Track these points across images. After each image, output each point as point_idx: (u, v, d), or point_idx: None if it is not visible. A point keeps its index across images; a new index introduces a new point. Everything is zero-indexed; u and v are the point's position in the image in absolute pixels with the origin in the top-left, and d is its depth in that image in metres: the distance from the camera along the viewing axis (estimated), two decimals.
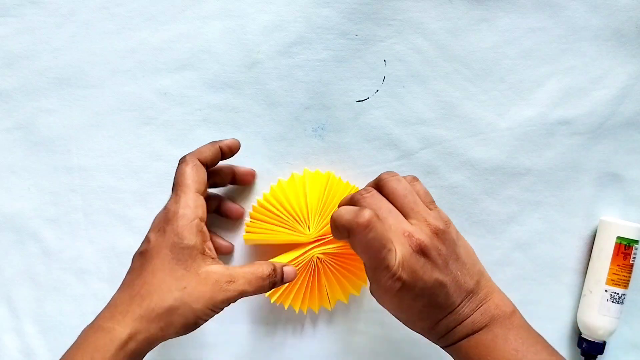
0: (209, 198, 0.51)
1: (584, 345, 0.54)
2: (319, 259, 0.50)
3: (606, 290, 0.53)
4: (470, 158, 0.55)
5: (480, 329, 0.43)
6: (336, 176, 0.54)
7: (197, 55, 0.55)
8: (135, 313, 0.41)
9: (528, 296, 0.55)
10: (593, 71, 0.54)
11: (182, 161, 0.48)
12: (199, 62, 0.55)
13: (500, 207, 0.55)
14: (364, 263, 0.43)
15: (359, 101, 0.55)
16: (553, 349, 0.43)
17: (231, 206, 0.54)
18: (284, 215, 0.51)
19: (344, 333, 0.55)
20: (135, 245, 0.55)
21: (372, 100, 0.55)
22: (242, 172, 0.54)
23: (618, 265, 0.53)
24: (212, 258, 0.45)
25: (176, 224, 0.44)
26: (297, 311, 0.53)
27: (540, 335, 0.44)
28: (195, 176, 0.47)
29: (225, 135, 0.55)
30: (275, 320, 0.55)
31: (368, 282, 0.44)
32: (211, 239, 0.47)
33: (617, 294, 0.52)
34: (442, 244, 0.42)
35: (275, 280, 0.46)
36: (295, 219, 0.50)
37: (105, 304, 0.43)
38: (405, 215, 0.43)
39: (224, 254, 0.55)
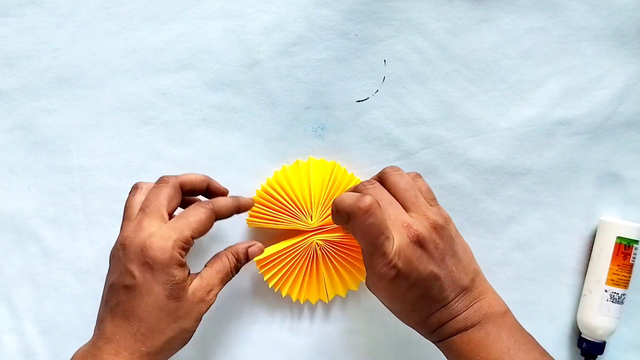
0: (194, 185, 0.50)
1: (584, 345, 0.54)
2: (318, 245, 0.51)
3: (606, 290, 0.53)
4: (470, 158, 0.55)
5: (473, 326, 0.43)
6: (341, 167, 0.54)
7: (197, 55, 0.55)
8: (142, 351, 0.43)
9: (528, 296, 0.55)
10: (593, 71, 0.54)
11: (161, 182, 0.47)
12: (199, 62, 0.55)
13: (500, 207, 0.55)
14: (362, 249, 0.44)
15: (359, 101, 0.55)
16: (543, 349, 0.44)
17: (218, 187, 0.52)
18: (287, 203, 0.51)
19: (342, 332, 0.55)
20: None
21: (372, 100, 0.55)
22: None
23: (618, 265, 0.53)
24: (189, 273, 0.46)
25: (162, 259, 0.43)
26: (294, 300, 0.53)
27: (531, 336, 0.44)
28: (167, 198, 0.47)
29: (225, 135, 0.55)
30: (273, 319, 0.55)
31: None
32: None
33: (617, 294, 0.53)
34: (440, 239, 0.43)
35: (240, 265, 0.49)
36: (299, 208, 0.51)
37: (98, 331, 0.44)
38: (406, 208, 0.44)
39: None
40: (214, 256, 0.48)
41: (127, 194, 0.56)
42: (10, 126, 0.56)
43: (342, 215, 0.43)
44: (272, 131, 0.55)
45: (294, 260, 0.52)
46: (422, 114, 0.55)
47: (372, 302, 0.55)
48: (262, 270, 0.52)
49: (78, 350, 0.45)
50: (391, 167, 0.47)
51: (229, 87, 0.55)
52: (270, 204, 0.52)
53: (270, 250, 0.51)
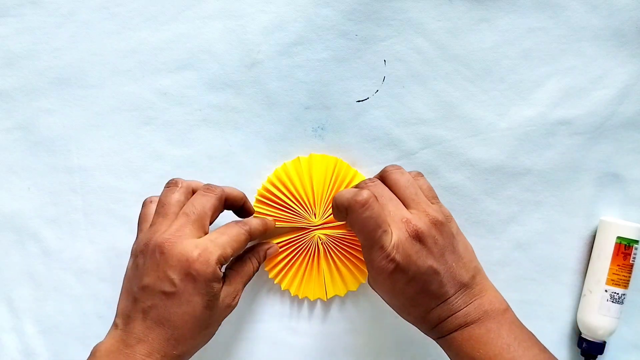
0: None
1: (584, 345, 0.54)
2: (320, 240, 0.52)
3: (606, 290, 0.53)
4: (470, 158, 0.55)
5: (473, 323, 0.43)
6: (345, 162, 0.54)
7: (197, 55, 0.55)
8: (173, 354, 0.44)
9: (528, 296, 0.55)
10: (593, 71, 0.54)
11: (207, 191, 0.47)
12: (199, 62, 0.55)
13: (500, 207, 0.55)
14: (361, 243, 0.44)
15: (359, 101, 0.55)
16: (543, 346, 0.44)
17: (250, 208, 0.52)
18: (289, 201, 0.52)
19: (342, 332, 0.55)
20: None
21: (372, 100, 0.55)
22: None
23: (618, 265, 0.53)
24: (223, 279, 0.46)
25: (206, 273, 0.43)
26: (292, 295, 0.53)
27: (532, 333, 0.45)
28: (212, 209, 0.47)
29: (225, 135, 0.55)
30: (273, 319, 0.55)
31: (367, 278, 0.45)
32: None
33: (617, 294, 0.53)
34: (440, 234, 0.44)
35: (259, 266, 0.51)
36: (302, 205, 0.52)
37: (124, 327, 0.43)
38: (406, 205, 0.45)
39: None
40: (238, 260, 0.48)
41: (127, 194, 0.56)
42: (10, 126, 0.56)
43: (341, 210, 0.44)
44: (272, 131, 0.55)
45: (295, 253, 0.52)
46: (422, 114, 0.55)
47: (372, 302, 0.55)
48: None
49: (102, 344, 0.44)
50: (392, 165, 0.48)
51: (229, 87, 0.55)
52: (272, 203, 0.52)
53: (273, 242, 0.52)
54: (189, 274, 0.43)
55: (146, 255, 0.44)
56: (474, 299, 0.44)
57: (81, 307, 0.55)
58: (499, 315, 0.44)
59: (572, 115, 0.54)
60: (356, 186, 0.47)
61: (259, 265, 0.50)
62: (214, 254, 0.43)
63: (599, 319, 0.53)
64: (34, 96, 0.55)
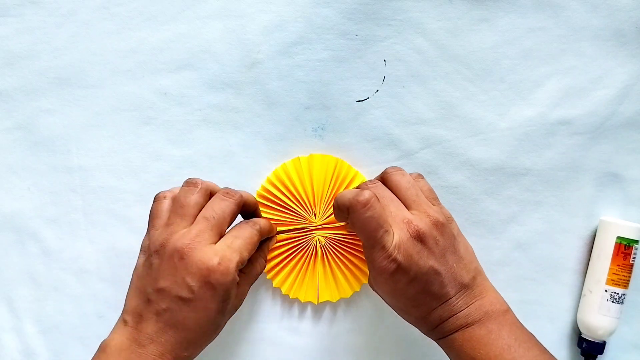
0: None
1: (584, 345, 0.54)
2: (319, 242, 0.52)
3: (606, 290, 0.53)
4: (470, 158, 0.55)
5: (474, 323, 0.43)
6: (346, 162, 0.54)
7: (197, 55, 0.55)
8: (183, 356, 0.44)
9: (528, 296, 0.55)
10: (593, 71, 0.54)
11: (227, 196, 0.46)
12: (199, 62, 0.55)
13: (500, 207, 0.55)
14: (362, 243, 0.44)
15: (359, 101, 0.55)
16: (544, 347, 0.44)
17: (259, 214, 0.52)
18: (289, 202, 0.52)
19: (342, 332, 0.55)
20: (135, 245, 0.55)
21: (372, 100, 0.55)
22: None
23: (618, 265, 0.53)
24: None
25: (225, 282, 0.43)
26: (283, 293, 0.53)
27: (532, 334, 0.45)
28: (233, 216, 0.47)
29: (225, 135, 0.55)
30: (273, 319, 0.55)
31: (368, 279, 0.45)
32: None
33: (617, 294, 0.53)
34: (441, 235, 0.44)
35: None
36: (302, 206, 0.51)
37: (135, 325, 0.43)
38: (407, 206, 0.45)
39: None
40: (248, 262, 0.48)
41: (127, 194, 0.56)
42: (10, 126, 0.56)
43: (343, 210, 0.44)
44: (272, 131, 0.55)
45: (292, 253, 0.52)
46: (422, 114, 0.55)
47: (373, 303, 0.55)
48: None
49: (112, 340, 0.43)
50: (393, 167, 0.48)
51: (229, 87, 0.55)
52: (271, 204, 0.52)
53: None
54: (208, 283, 0.42)
55: (163, 257, 0.44)
56: (474, 299, 0.44)
57: (81, 307, 0.55)
58: (499, 316, 0.44)
59: (572, 115, 0.54)
60: (357, 187, 0.47)
61: (265, 264, 0.51)
62: (233, 261, 0.43)
63: (599, 319, 0.53)
64: (34, 96, 0.55)
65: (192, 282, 0.42)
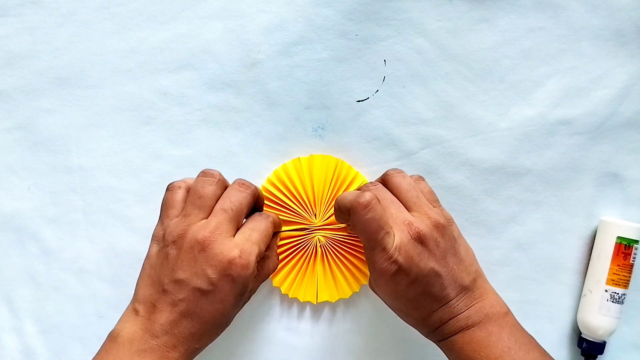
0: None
1: (584, 345, 0.54)
2: (319, 241, 0.52)
3: (606, 290, 0.53)
4: (470, 158, 0.55)
5: (474, 325, 0.43)
6: (346, 163, 0.54)
7: (197, 55, 0.55)
8: (195, 347, 0.44)
9: (528, 296, 0.55)
10: (593, 71, 0.54)
11: (251, 192, 0.46)
12: (199, 62, 0.55)
13: (500, 207, 0.55)
14: (363, 245, 0.44)
15: (359, 101, 0.55)
16: (544, 349, 0.44)
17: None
18: (289, 202, 0.52)
19: (342, 333, 0.55)
20: (135, 244, 0.55)
21: (372, 100, 0.55)
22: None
23: (618, 265, 0.53)
24: None
25: (245, 275, 0.43)
26: (282, 292, 0.53)
27: (532, 336, 0.45)
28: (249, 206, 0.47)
29: (225, 135, 0.55)
30: (273, 319, 0.55)
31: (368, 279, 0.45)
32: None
33: (617, 294, 0.52)
34: (441, 237, 0.44)
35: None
36: (302, 206, 0.51)
37: (148, 315, 0.43)
38: (408, 208, 0.45)
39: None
40: (260, 259, 0.47)
41: (127, 194, 0.56)
42: (10, 126, 0.56)
43: (343, 212, 0.44)
44: (272, 131, 0.55)
45: (292, 252, 0.52)
46: (422, 114, 0.55)
47: (373, 303, 0.55)
48: None
49: (123, 330, 0.43)
50: (394, 169, 0.48)
51: (229, 87, 0.55)
52: (272, 204, 0.52)
53: None
54: (229, 275, 0.42)
55: (181, 248, 0.43)
56: (475, 302, 0.44)
57: (81, 307, 0.55)
58: (500, 319, 0.44)
59: (572, 115, 0.54)
60: (358, 189, 0.47)
61: (278, 262, 0.51)
62: (253, 254, 0.43)
63: (599, 319, 0.53)
64: (34, 96, 0.55)
65: (213, 275, 0.42)
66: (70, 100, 0.55)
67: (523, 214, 0.55)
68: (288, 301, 0.55)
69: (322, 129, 0.55)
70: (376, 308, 0.55)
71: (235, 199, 0.45)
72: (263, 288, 0.55)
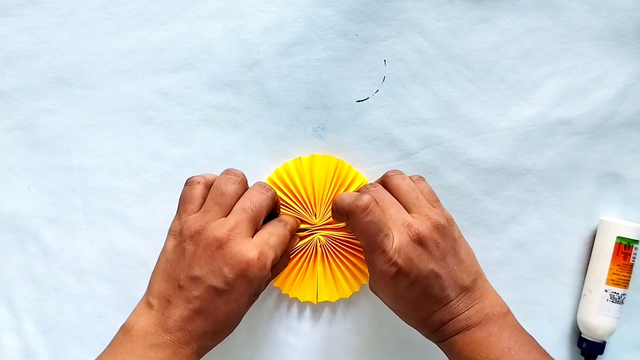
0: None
1: (584, 345, 0.54)
2: (319, 241, 0.52)
3: (606, 290, 0.53)
4: (470, 158, 0.55)
5: (474, 326, 0.43)
6: (347, 164, 0.54)
7: (197, 55, 0.55)
8: (207, 345, 0.44)
9: (528, 296, 0.55)
10: (593, 71, 0.54)
11: (269, 194, 0.46)
12: (199, 62, 0.55)
13: (500, 207, 0.55)
14: (363, 247, 0.44)
15: (359, 101, 0.55)
16: (544, 349, 0.44)
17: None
18: (290, 201, 0.52)
19: (342, 333, 0.55)
20: (135, 244, 0.55)
21: (372, 100, 0.55)
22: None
23: (618, 265, 0.53)
24: None
25: (261, 277, 0.43)
26: (283, 292, 0.53)
27: (532, 337, 0.45)
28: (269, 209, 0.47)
29: (225, 135, 0.55)
30: (273, 319, 0.55)
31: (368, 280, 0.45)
32: None
33: (617, 293, 0.53)
34: (441, 238, 0.44)
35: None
36: (302, 206, 0.52)
37: (163, 310, 0.43)
38: (407, 209, 0.45)
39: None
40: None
41: (127, 194, 0.56)
42: (10, 126, 0.56)
43: (342, 214, 0.44)
44: (272, 131, 0.55)
45: (293, 252, 0.52)
46: (422, 114, 0.55)
47: (373, 303, 0.55)
48: None
49: (136, 323, 0.43)
50: (393, 170, 0.48)
51: (229, 87, 0.55)
52: None
53: None
54: (245, 276, 0.42)
55: (199, 244, 0.43)
56: (475, 302, 0.44)
57: (81, 307, 0.55)
58: (500, 319, 0.44)
59: (572, 115, 0.54)
60: (357, 191, 0.47)
61: (288, 263, 0.51)
62: (270, 257, 0.43)
63: (599, 318, 0.53)
64: (34, 96, 0.55)
65: (229, 274, 0.42)
66: (70, 100, 0.55)
67: (523, 214, 0.55)
68: (288, 301, 0.55)
69: (322, 129, 0.55)
70: (376, 308, 0.55)
71: (255, 200, 0.45)
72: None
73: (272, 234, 0.45)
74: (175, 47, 0.55)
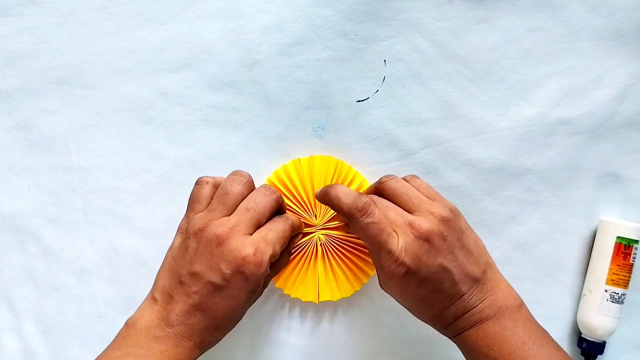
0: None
1: (584, 345, 0.54)
2: (319, 240, 0.52)
3: (606, 290, 0.53)
4: (470, 158, 0.55)
5: (488, 319, 0.43)
6: (347, 164, 0.54)
7: (197, 55, 0.55)
8: (208, 340, 0.45)
9: (528, 296, 0.55)
10: (593, 71, 0.54)
11: (267, 193, 0.47)
12: (199, 62, 0.55)
13: (500, 207, 0.55)
14: (368, 249, 0.45)
15: (359, 101, 0.55)
16: (557, 343, 0.44)
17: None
18: (290, 202, 0.52)
19: (342, 333, 0.55)
20: (135, 244, 0.55)
21: (372, 100, 0.55)
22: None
23: (618, 265, 0.53)
24: None
25: (258, 273, 0.43)
26: (284, 292, 0.53)
27: (545, 330, 0.44)
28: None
29: (225, 135, 0.55)
30: (274, 319, 0.55)
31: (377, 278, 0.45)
32: None
33: (617, 293, 0.53)
34: (448, 231, 0.44)
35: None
36: (302, 206, 0.52)
37: (165, 305, 0.44)
38: (408, 210, 0.45)
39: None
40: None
41: (127, 194, 0.56)
42: (10, 126, 0.56)
43: (342, 214, 0.44)
44: (272, 131, 0.55)
45: (293, 252, 0.52)
46: (422, 114, 0.55)
47: (373, 303, 0.55)
48: None
49: (140, 317, 0.44)
50: (386, 175, 0.47)
51: (229, 87, 0.55)
52: None
53: None
54: (242, 272, 0.43)
55: (200, 241, 0.44)
56: (487, 294, 0.44)
57: (81, 307, 0.55)
58: (513, 312, 0.44)
59: (572, 115, 0.54)
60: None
61: (289, 259, 0.51)
62: (267, 253, 0.44)
63: (599, 318, 0.53)
64: (34, 96, 0.55)
65: (226, 270, 0.43)
66: (70, 100, 0.55)
67: (523, 214, 0.55)
68: (289, 301, 0.55)
69: (322, 129, 0.55)
70: (376, 308, 0.55)
71: (259, 201, 0.46)
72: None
73: (271, 230, 0.46)
74: (175, 47, 0.55)
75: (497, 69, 0.54)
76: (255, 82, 0.55)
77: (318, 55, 0.54)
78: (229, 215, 0.45)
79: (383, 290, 0.46)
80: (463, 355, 0.45)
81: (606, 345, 0.54)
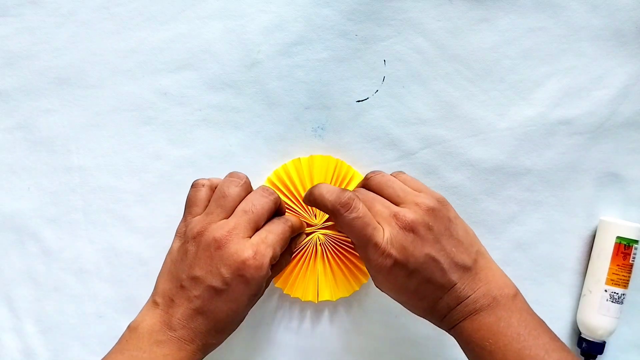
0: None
1: (584, 345, 0.54)
2: (319, 240, 0.52)
3: (606, 290, 0.53)
4: (470, 158, 0.55)
5: (483, 310, 0.43)
6: (346, 163, 0.54)
7: (197, 55, 0.55)
8: (211, 343, 0.45)
9: (528, 296, 0.54)
10: (593, 71, 0.54)
11: (266, 194, 0.47)
12: (199, 62, 0.55)
13: (500, 207, 0.55)
14: (354, 245, 0.45)
15: (359, 101, 0.55)
16: (553, 333, 0.43)
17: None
18: (289, 202, 0.52)
19: (342, 333, 0.55)
20: (135, 244, 0.55)
21: (372, 100, 0.55)
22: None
23: (618, 265, 0.53)
24: None
25: (258, 277, 0.43)
26: (284, 292, 0.53)
27: (542, 320, 0.44)
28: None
29: (225, 135, 0.55)
30: (274, 319, 0.55)
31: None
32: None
33: (617, 293, 0.53)
34: (433, 220, 0.43)
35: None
36: (302, 206, 0.52)
37: (167, 309, 0.44)
38: (395, 203, 0.45)
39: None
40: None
41: (127, 194, 0.56)
42: (10, 126, 0.56)
43: (327, 212, 0.45)
44: (272, 131, 0.55)
45: (293, 252, 0.52)
46: (422, 114, 0.55)
47: (373, 303, 0.55)
48: None
49: (142, 322, 0.44)
50: (372, 171, 0.48)
51: (229, 87, 0.55)
52: None
53: None
54: (242, 276, 0.43)
55: (199, 245, 0.44)
56: (481, 284, 0.43)
57: (81, 307, 0.55)
58: (509, 302, 0.43)
59: (572, 115, 0.54)
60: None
61: (290, 260, 0.51)
62: (267, 256, 0.44)
63: (598, 318, 0.53)
64: (34, 96, 0.55)
65: (227, 274, 0.43)
66: (70, 100, 0.55)
67: (523, 214, 0.55)
68: (289, 302, 0.55)
69: (322, 129, 0.55)
70: (376, 308, 0.55)
71: (257, 203, 0.46)
72: None
73: (270, 232, 0.45)
74: (175, 47, 0.55)
75: (497, 69, 0.54)
76: (255, 82, 0.55)
77: (318, 55, 0.54)
78: (227, 218, 0.45)
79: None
80: (461, 350, 0.45)
81: (606, 345, 0.54)
